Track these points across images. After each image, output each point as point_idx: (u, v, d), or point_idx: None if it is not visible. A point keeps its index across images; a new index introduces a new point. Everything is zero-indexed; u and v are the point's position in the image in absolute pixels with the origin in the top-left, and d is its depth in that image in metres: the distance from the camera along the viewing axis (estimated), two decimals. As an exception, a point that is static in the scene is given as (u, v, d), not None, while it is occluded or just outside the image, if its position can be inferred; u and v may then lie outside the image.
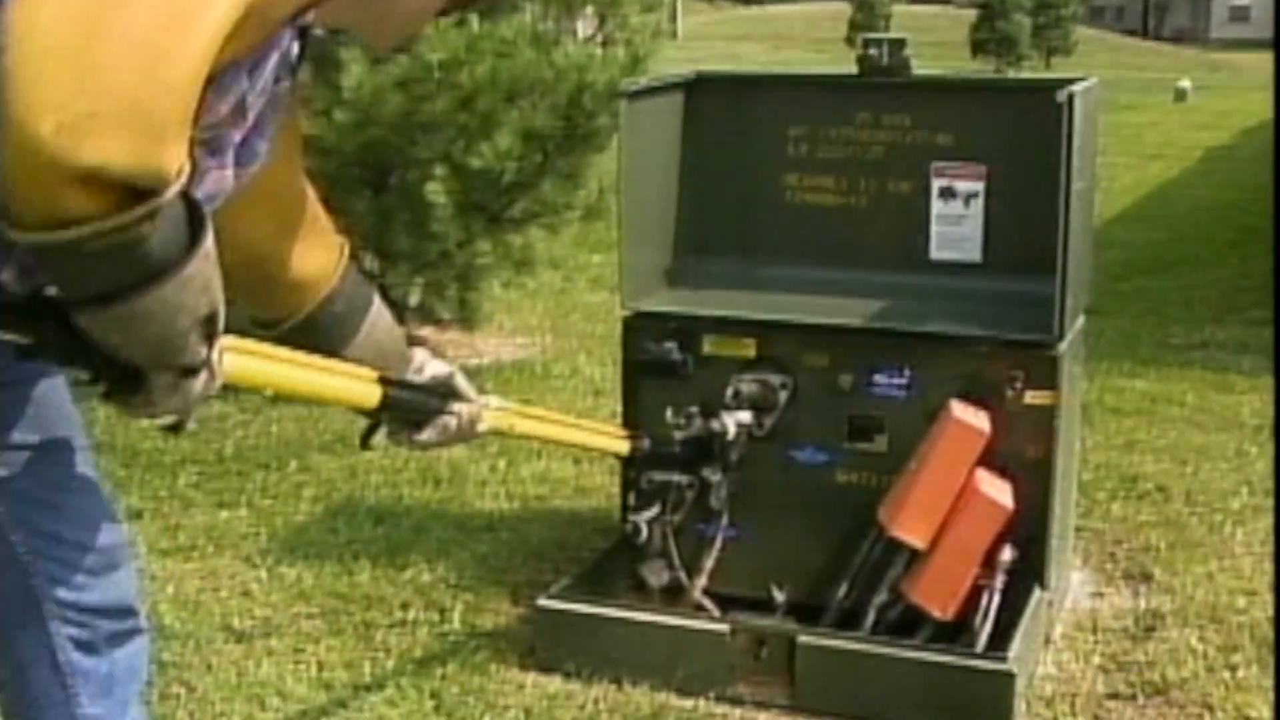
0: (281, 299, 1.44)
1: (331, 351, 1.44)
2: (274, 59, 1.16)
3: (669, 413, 2.57)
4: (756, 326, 2.59)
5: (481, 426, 1.60)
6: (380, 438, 1.56)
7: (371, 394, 1.44)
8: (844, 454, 2.55)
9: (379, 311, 1.53)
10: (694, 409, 2.56)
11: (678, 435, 2.55)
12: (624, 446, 2.25)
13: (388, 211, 4.36)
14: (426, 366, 1.57)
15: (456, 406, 1.56)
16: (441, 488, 3.48)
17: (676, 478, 2.59)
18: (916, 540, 2.42)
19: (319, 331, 1.44)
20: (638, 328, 2.66)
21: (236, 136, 1.20)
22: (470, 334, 4.91)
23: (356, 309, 1.49)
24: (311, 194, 1.50)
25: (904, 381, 2.50)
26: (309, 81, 3.91)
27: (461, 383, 1.59)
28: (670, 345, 2.60)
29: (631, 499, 2.63)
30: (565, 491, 3.46)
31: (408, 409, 1.51)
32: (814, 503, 2.58)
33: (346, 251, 1.54)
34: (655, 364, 2.61)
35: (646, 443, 2.32)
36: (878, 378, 2.51)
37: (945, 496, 2.41)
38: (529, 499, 3.41)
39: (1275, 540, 2.28)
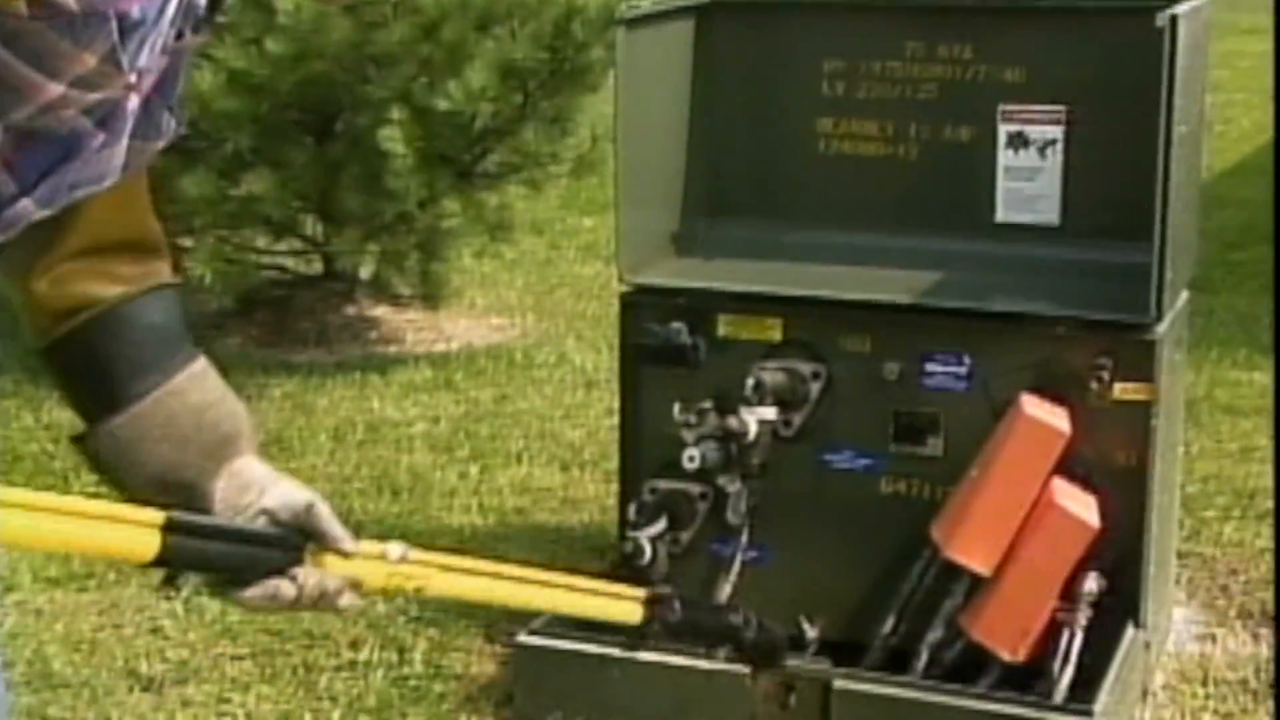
0: (54, 293, 1.22)
1: (104, 407, 1.22)
2: (169, 6, 1.09)
3: (676, 409, 2.56)
4: (783, 303, 2.58)
5: (348, 600, 1.29)
6: (187, 585, 1.31)
7: (145, 541, 1.17)
8: (889, 459, 2.54)
9: (200, 384, 1.27)
10: (707, 404, 2.55)
11: (687, 436, 2.54)
12: (634, 612, 1.60)
13: (333, 164, 4.33)
14: (267, 493, 1.27)
15: (303, 574, 1.26)
16: (400, 499, 3.48)
17: (687, 487, 2.57)
18: (979, 564, 2.41)
19: (91, 364, 1.22)
20: (638, 306, 2.65)
21: (133, 101, 1.15)
22: (434, 314, 4.90)
23: (157, 354, 1.25)
24: (149, 205, 1.29)
25: (963, 371, 2.49)
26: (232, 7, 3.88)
27: (324, 524, 1.27)
28: (678, 327, 2.59)
29: (631, 512, 2.62)
30: (550, 503, 3.46)
31: (209, 566, 1.24)
32: (853, 518, 2.57)
33: (166, 270, 1.29)
34: (660, 350, 2.60)
35: (677, 606, 1.62)
36: (931, 366, 2.50)
37: (1014, 511, 2.40)
38: (506, 512, 3.42)
39: (1276, 540, 2.26)
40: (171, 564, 1.21)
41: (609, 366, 4.12)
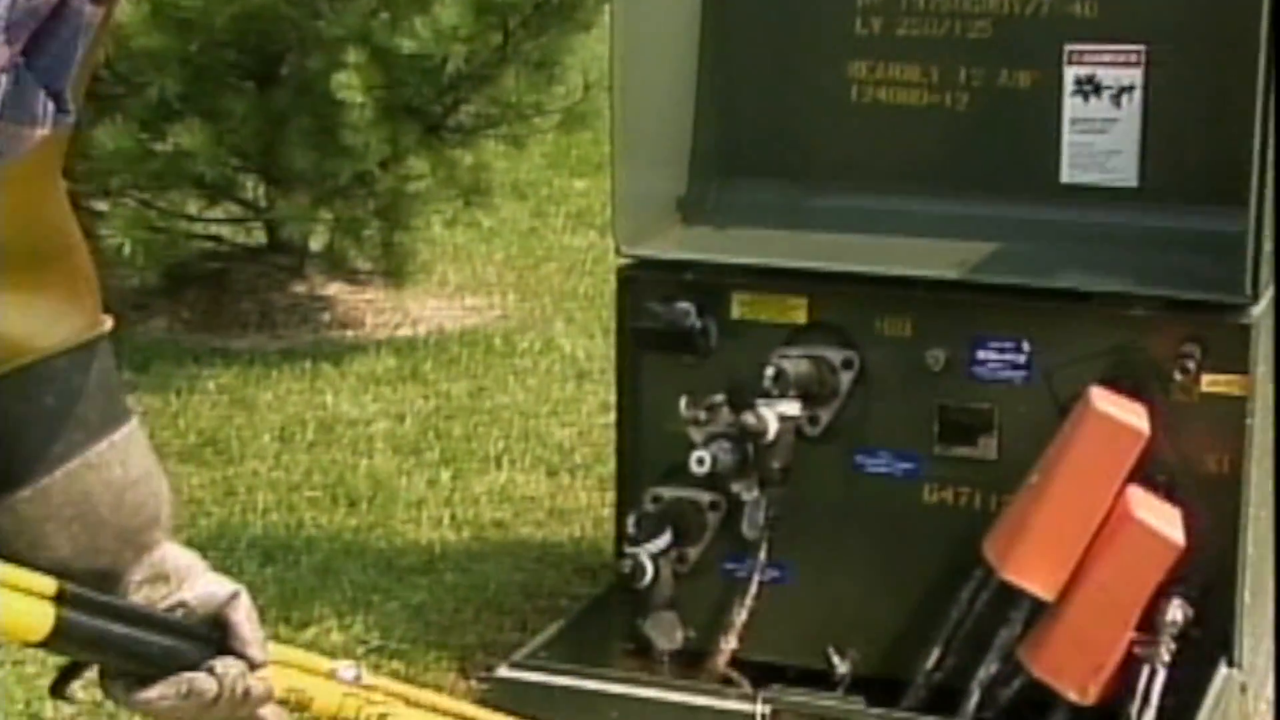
0: None
1: (6, 477, 1.20)
2: None
3: (683, 404, 2.56)
4: (808, 279, 2.58)
5: (268, 713, 1.29)
6: (80, 687, 1.27)
7: (39, 615, 1.15)
8: (934, 462, 2.54)
9: (124, 456, 1.25)
10: (718, 398, 2.55)
11: (696, 435, 2.54)
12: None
13: (278, 115, 4.32)
14: (187, 584, 1.28)
15: (223, 665, 1.26)
16: (359, 511, 3.49)
17: (695, 495, 2.58)
18: (1040, 588, 2.40)
19: None
20: (639, 282, 2.65)
21: None
22: (398, 292, 4.91)
23: (78, 416, 1.22)
24: (76, 233, 1.24)
25: (1022, 359, 2.48)
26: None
27: (241, 623, 1.28)
28: (685, 307, 2.59)
29: (630, 524, 2.62)
30: (535, 514, 3.47)
31: (111, 652, 1.22)
32: (891, 532, 2.57)
33: (102, 330, 1.25)
34: (663, 334, 2.61)
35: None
36: (984, 354, 2.50)
37: (1083, 526, 2.39)
38: (484, 525, 3.43)
39: (1275, 540, 2.28)
40: (67, 645, 1.19)
41: (604, 354, 4.13)
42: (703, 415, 2.54)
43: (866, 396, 2.55)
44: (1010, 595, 2.42)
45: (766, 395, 2.51)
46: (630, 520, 2.62)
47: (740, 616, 2.60)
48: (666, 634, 2.62)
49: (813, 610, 2.60)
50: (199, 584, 1.29)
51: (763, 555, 2.59)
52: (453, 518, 3.45)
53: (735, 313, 2.60)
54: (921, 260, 2.56)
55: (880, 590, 2.58)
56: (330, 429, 3.93)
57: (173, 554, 1.29)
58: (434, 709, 1.44)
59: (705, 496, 2.59)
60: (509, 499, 3.54)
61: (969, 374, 2.50)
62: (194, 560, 1.31)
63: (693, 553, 2.62)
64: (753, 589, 2.60)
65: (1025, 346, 2.48)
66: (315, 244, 4.82)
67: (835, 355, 2.55)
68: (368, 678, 1.37)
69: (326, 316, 4.77)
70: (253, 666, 1.28)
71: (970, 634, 2.47)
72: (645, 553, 2.57)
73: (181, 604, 1.27)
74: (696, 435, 2.54)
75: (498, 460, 3.73)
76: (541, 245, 5.55)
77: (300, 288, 4.83)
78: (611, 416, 2.83)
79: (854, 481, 2.57)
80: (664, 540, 2.59)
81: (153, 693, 1.23)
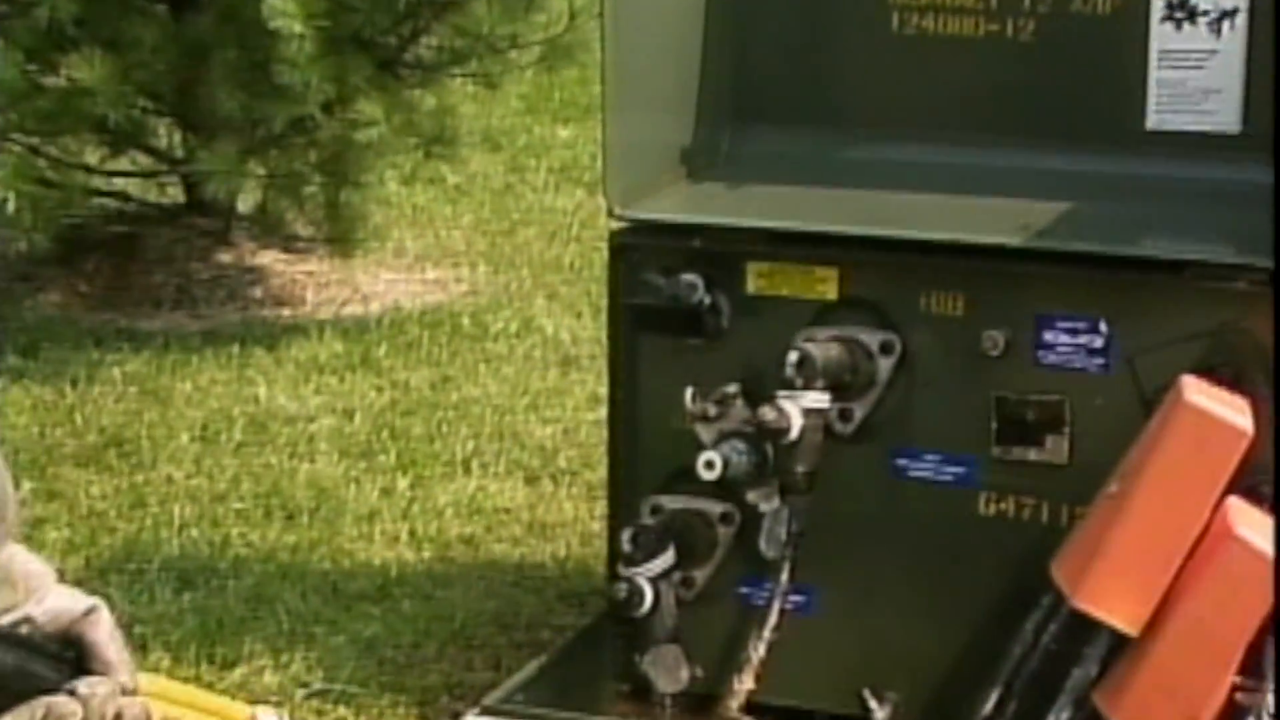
0: None
1: None
2: None
3: (689, 396, 2.57)
4: (839, 246, 2.59)
5: None
6: None
7: None
8: (992, 467, 2.55)
9: None
10: (731, 389, 2.57)
11: (705, 434, 2.55)
12: None
13: (198, 46, 4.32)
14: (39, 594, 1.34)
15: (88, 686, 1.31)
16: (297, 526, 3.51)
17: (704, 506, 2.59)
18: (1122, 620, 2.40)
19: None
20: (636, 251, 2.66)
21: None
22: (346, 263, 4.92)
23: None
24: None
25: (1099, 342, 2.49)
26: None
27: (101, 643, 1.34)
28: (691, 280, 2.60)
29: (625, 541, 2.63)
30: (511, 529, 3.49)
31: None
32: (939, 550, 2.58)
33: None
34: (665, 312, 2.62)
35: None
36: (1052, 336, 2.50)
37: (1173, 545, 2.38)
38: (449, 543, 3.44)
39: (1276, 539, 2.30)
40: None
41: (593, 337, 4.15)
42: (712, 410, 2.55)
43: (910, 387, 2.56)
44: (1084, 628, 2.42)
45: (789, 385, 2.52)
46: (625, 536, 2.63)
47: (758, 652, 2.60)
48: (669, 673, 2.63)
49: (845, 644, 2.62)
50: (49, 598, 1.33)
51: (784, 578, 2.59)
52: (412, 534, 3.46)
53: (751, 286, 2.61)
54: (977, 223, 2.57)
55: (926, 620, 2.58)
56: (263, 427, 3.94)
57: (20, 558, 1.33)
58: None
59: (715, 507, 2.61)
60: (479, 511, 3.55)
61: (1034, 360, 2.51)
62: (45, 569, 1.34)
63: (700, 575, 2.63)
64: (772, 619, 2.60)
65: (1103, 327, 2.49)
66: (244, 204, 4.82)
67: (872, 338, 2.56)
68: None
69: (258, 292, 4.78)
70: (123, 691, 1.32)
71: (1036, 675, 2.47)
72: (643, 575, 2.58)
73: (27, 619, 1.31)
74: (705, 434, 2.55)
75: (466, 465, 3.73)
76: (518, 206, 5.56)
77: (226, 257, 4.83)
78: (602, 411, 2.84)
79: (895, 489, 2.58)
80: (666, 560, 2.60)
81: None
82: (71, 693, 1.30)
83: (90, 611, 1.33)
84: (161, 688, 1.39)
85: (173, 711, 1.38)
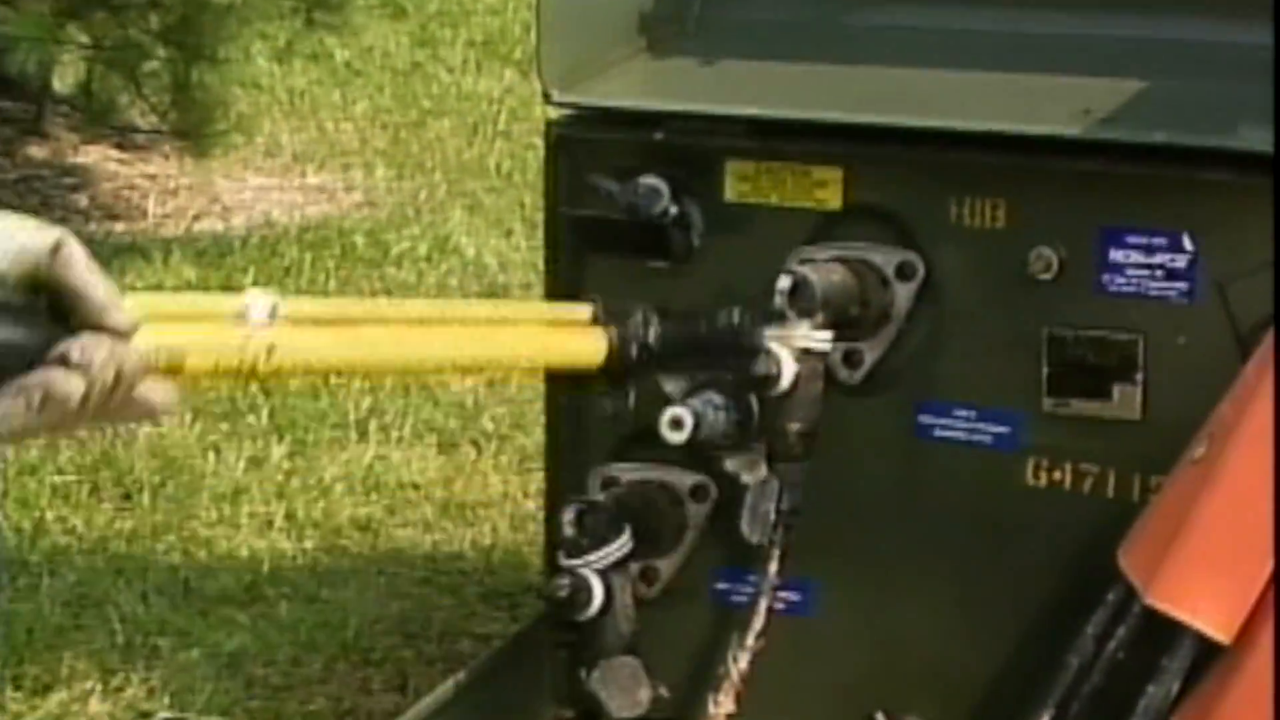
0: None
1: None
2: None
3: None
4: (844, 139, 2.60)
5: (164, 396, 1.45)
6: None
7: None
8: (1043, 424, 2.56)
9: None
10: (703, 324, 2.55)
11: (670, 385, 2.56)
12: (591, 346, 2.23)
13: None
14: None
15: (82, 349, 1.38)
16: (136, 507, 3.54)
17: (669, 477, 2.62)
18: (1210, 623, 2.40)
19: None
20: (581, 147, 2.69)
21: None
22: (201, 162, 4.91)
23: None
24: None
25: (1181, 263, 2.50)
26: None
27: (82, 282, 1.39)
28: (653, 184, 2.62)
29: (568, 523, 2.63)
30: (421, 511, 3.53)
31: None
32: (974, 532, 2.60)
33: None
34: (619, 227, 2.65)
35: (648, 326, 2.30)
36: (1121, 255, 2.52)
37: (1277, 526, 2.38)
38: (339, 529, 3.47)
39: (1275, 540, 2.36)
40: None
41: (526, 260, 4.16)
42: (681, 352, 2.57)
43: (936, 322, 2.58)
44: (1162, 633, 2.42)
45: (780, 320, 2.52)
46: (567, 517, 2.64)
47: (739, 664, 2.60)
48: (625, 693, 2.63)
49: (851, 653, 2.64)
50: (4, 234, 1.37)
51: (773, 569, 2.59)
52: (290, 517, 3.50)
53: (731, 193, 2.63)
54: (1022, 107, 2.58)
55: (957, 623, 2.61)
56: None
57: None
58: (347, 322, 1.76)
59: (685, 479, 2.63)
60: (379, 488, 3.59)
61: (1097, 286, 2.52)
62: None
63: (665, 566, 2.66)
64: (758, 622, 2.59)
65: (1186, 243, 2.50)
66: (61, 82, 4.79)
67: (887, 258, 2.58)
68: (286, 308, 1.58)
69: (82, 199, 4.78)
70: (117, 335, 1.38)
71: (1100, 690, 2.48)
72: (591, 567, 2.58)
73: None
74: (671, 384, 2.56)
75: (361, 427, 3.77)
76: (428, 91, 5.56)
77: (38, 151, 4.82)
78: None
79: (917, 454, 2.60)
80: (621, 547, 2.61)
81: None
82: (64, 361, 1.34)
83: (59, 248, 1.37)
84: (146, 307, 1.46)
85: (165, 334, 1.46)
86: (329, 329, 1.73)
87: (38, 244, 1.37)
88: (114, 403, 1.38)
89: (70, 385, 1.34)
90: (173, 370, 1.46)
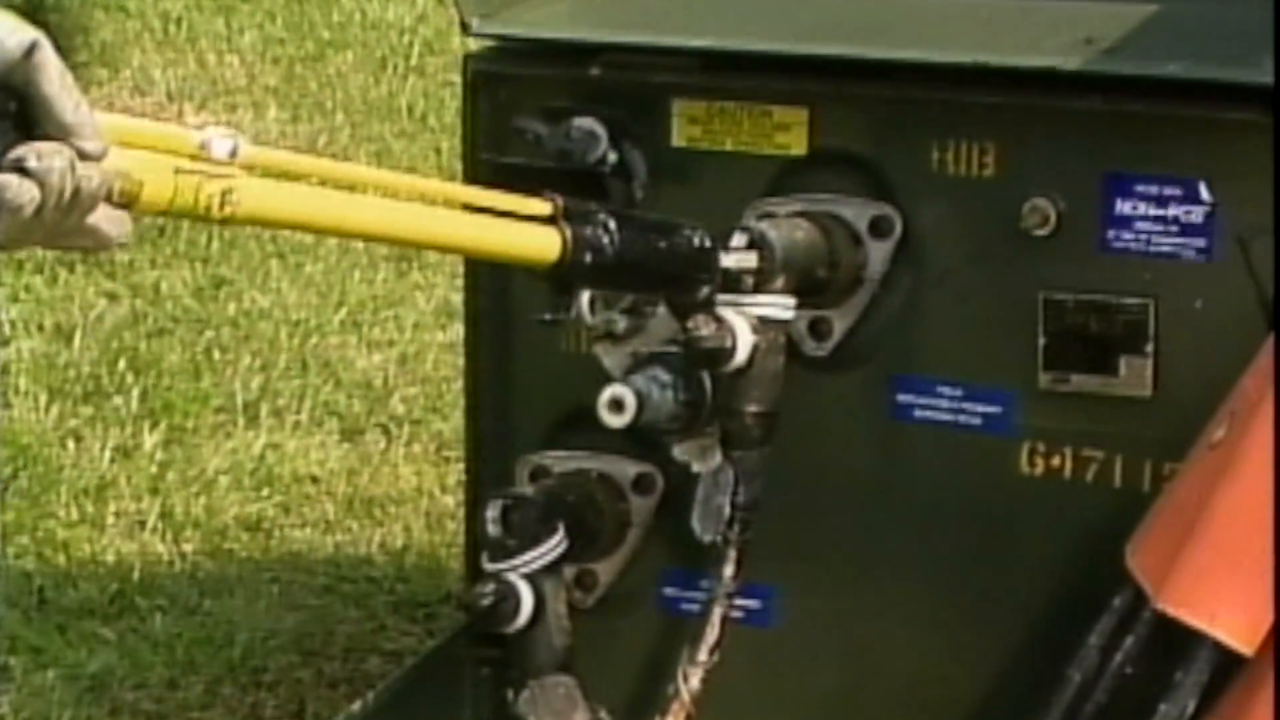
0: None
1: None
2: None
3: (585, 303, 2.59)
4: (809, 75, 2.61)
5: (117, 228, 1.59)
6: None
7: None
8: (1039, 403, 2.59)
9: None
10: None
11: (609, 359, 2.60)
12: (544, 242, 2.34)
13: None
14: None
15: (40, 156, 1.49)
16: None
17: (608, 466, 2.64)
18: (1229, 632, 2.42)
19: None
20: (505, 84, 2.71)
21: None
22: (94, 84, 4.87)
23: None
24: None
25: (1197, 216, 2.53)
26: None
27: (53, 93, 1.50)
28: (588, 126, 2.66)
29: (492, 521, 2.65)
30: (321, 507, 3.54)
31: None
32: (960, 527, 2.63)
33: None
34: (549, 175, 2.62)
35: (607, 230, 2.40)
36: (1128, 205, 2.55)
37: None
38: (225, 529, 3.48)
39: (1275, 540, 2.38)
40: None
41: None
42: (621, 323, 2.60)
43: (915, 286, 2.60)
44: (1176, 643, 2.44)
45: (735, 285, 2.54)
46: (491, 514, 2.65)
47: (689, 683, 2.62)
48: (558, 716, 2.64)
49: (817, 669, 2.66)
50: None
51: (729, 572, 2.61)
52: (166, 516, 3.50)
53: (679, 137, 2.66)
54: (1014, 37, 2.58)
55: (940, 633, 2.63)
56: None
57: None
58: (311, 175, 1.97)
59: (627, 469, 2.66)
60: (271, 481, 3.60)
61: (1101, 243, 2.55)
62: None
63: (604, 570, 2.69)
64: (711, 633, 2.61)
65: (1203, 192, 2.52)
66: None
67: (858, 212, 2.60)
68: (247, 149, 1.76)
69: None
70: (83, 156, 1.49)
71: (1105, 709, 2.50)
72: (519, 571, 2.60)
73: None
74: (610, 359, 2.60)
75: (250, 411, 3.80)
76: (328, 19, 5.53)
77: None
78: (456, 330, 2.95)
79: (894, 437, 2.63)
80: (553, 548, 2.62)
81: None
82: (20, 168, 1.44)
83: (33, 51, 1.46)
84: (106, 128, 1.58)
85: (123, 160, 1.58)
86: (290, 184, 1.94)
87: (11, 45, 1.47)
88: (68, 223, 1.48)
89: (23, 193, 1.44)
90: (127, 200, 1.58)
